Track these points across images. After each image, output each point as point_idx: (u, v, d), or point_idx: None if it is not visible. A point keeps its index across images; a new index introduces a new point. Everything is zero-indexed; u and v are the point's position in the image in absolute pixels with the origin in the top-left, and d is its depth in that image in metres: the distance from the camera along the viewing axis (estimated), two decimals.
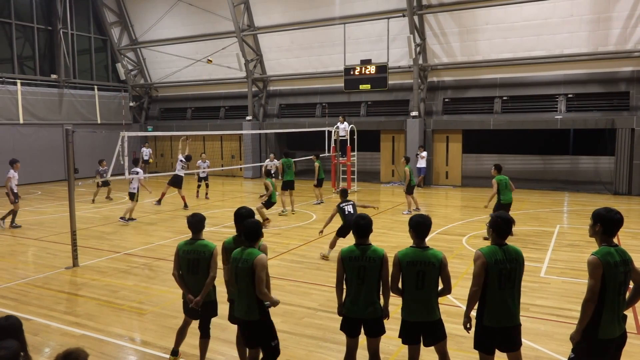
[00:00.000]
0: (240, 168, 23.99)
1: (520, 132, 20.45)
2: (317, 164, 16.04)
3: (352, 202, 9.53)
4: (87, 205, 16.19)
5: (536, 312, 6.69)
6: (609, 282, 3.73)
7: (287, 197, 14.77)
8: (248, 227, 4.54)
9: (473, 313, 4.30)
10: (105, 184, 16.76)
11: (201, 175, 17.17)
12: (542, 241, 10.75)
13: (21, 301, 7.46)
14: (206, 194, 17.30)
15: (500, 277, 4.08)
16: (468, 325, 4.30)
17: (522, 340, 4.39)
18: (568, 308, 6.82)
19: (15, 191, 12.51)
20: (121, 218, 13.32)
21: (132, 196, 13.34)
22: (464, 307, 6.86)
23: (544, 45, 18.37)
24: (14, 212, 12.81)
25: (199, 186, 17.35)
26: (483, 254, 4.13)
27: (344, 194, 9.74)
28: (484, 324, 4.16)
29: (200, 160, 17.10)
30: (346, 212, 9.25)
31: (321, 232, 9.76)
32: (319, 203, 15.99)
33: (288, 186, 14.75)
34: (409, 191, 14.21)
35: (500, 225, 4.22)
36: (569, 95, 18.69)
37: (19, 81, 22.17)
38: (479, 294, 4.15)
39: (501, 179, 11.08)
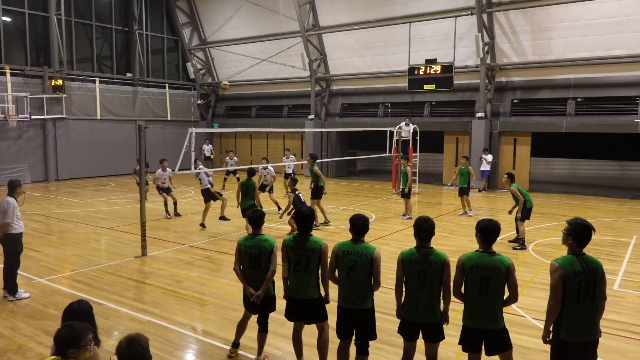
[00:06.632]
0: (302, 166, 24.23)
1: (596, 136, 19.31)
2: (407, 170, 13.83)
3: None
4: (158, 197, 16.18)
5: (608, 327, 6.27)
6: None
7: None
8: (358, 222, 4.63)
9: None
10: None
11: (288, 171, 18.12)
12: (617, 252, 10.11)
13: (94, 286, 7.92)
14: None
15: (579, 289, 3.86)
16: (547, 339, 4.09)
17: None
18: None
19: (163, 186, 13.88)
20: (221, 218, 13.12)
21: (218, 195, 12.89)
22: (528, 317, 6.62)
23: (624, 43, 17.23)
24: (175, 203, 14.13)
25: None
26: (560, 266, 3.91)
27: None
28: (561, 337, 3.96)
29: (285, 157, 18.06)
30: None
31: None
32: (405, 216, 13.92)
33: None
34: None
35: (580, 233, 3.95)
36: None
37: (97, 79, 23.57)
38: (559, 307, 3.94)
39: (518, 186, 10.58)
